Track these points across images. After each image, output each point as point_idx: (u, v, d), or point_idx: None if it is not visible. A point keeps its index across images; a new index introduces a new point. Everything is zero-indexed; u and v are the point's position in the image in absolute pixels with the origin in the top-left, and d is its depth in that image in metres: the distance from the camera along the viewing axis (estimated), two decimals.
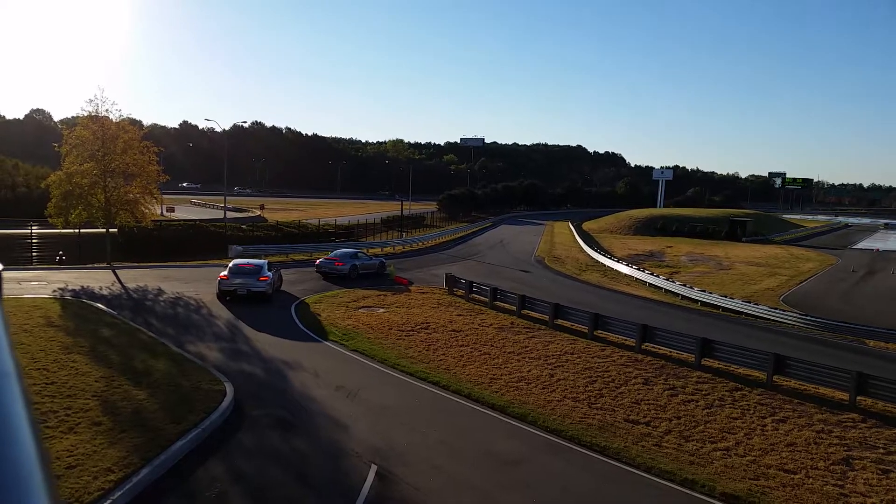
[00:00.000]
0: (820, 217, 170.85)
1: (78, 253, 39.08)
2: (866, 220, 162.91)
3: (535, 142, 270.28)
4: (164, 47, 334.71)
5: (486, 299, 28.76)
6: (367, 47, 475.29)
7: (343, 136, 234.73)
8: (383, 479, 11.17)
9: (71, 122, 40.17)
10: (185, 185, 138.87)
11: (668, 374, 18.94)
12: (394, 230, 69.78)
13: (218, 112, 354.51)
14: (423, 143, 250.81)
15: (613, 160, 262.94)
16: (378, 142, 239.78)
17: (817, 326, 29.15)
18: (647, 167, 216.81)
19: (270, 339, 20.69)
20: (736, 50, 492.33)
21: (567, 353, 20.80)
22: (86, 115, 35.20)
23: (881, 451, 14.02)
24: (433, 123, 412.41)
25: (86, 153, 34.43)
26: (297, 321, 23.75)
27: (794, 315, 31.07)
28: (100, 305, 23.92)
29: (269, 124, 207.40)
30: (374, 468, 11.54)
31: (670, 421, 15.19)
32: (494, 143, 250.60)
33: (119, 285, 29.12)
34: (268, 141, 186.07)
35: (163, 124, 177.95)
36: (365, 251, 41.73)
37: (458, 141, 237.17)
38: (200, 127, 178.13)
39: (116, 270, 33.92)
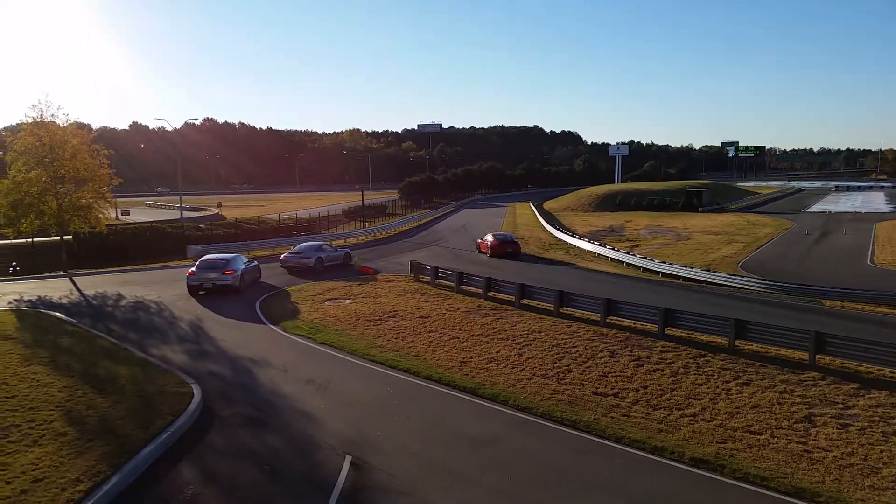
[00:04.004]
0: (773, 183, 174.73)
1: (32, 262, 38.16)
2: (818, 184, 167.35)
3: (492, 124, 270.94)
4: (108, 49, 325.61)
5: (453, 284, 28.83)
6: (317, 37, 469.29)
7: (299, 129, 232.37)
8: (358, 469, 11.18)
9: (15, 129, 39.04)
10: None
11: (634, 346, 19.26)
12: (356, 220, 69.46)
13: (169, 111, 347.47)
14: (380, 131, 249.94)
15: (570, 138, 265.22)
16: (335, 132, 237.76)
17: (775, 290, 29.88)
18: (603, 144, 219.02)
19: (236, 337, 20.49)
20: (684, 23, 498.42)
21: (534, 332, 20.99)
22: (30, 120, 34.24)
23: (840, 406, 14.48)
24: (390, 111, 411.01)
25: (33, 160, 33.57)
26: (263, 317, 23.54)
27: (753, 280, 31.79)
28: (58, 314, 23.41)
29: (221, 120, 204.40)
30: (348, 459, 11.53)
31: (637, 391, 15.47)
32: (452, 127, 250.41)
33: (77, 293, 28.52)
34: (221, 137, 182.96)
35: (112, 126, 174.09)
36: (329, 243, 41.55)
37: (416, 127, 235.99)
38: (151, 127, 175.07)
39: (74, 278, 33.24)
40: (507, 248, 43.07)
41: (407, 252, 45.60)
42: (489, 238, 44.61)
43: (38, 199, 33.45)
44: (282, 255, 36.40)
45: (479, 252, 45.16)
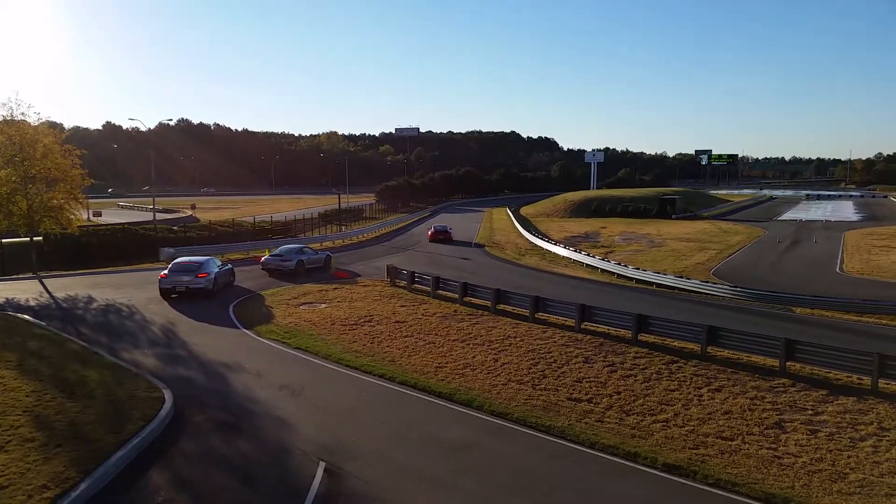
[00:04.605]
0: (746, 191, 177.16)
1: (0, 264, 37.38)
2: (789, 192, 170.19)
3: (469, 129, 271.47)
4: (80, 48, 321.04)
5: (429, 289, 28.82)
6: (294, 39, 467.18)
7: (275, 131, 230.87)
8: (332, 475, 11.11)
9: None
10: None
11: (608, 352, 19.40)
12: (332, 224, 69.16)
13: (143, 111, 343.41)
14: (357, 134, 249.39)
15: (547, 144, 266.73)
16: (311, 135, 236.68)
17: (747, 297, 30.27)
18: (579, 150, 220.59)
19: (209, 341, 20.26)
20: (659, 32, 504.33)
21: (510, 337, 21.06)
22: (0, 119, 33.59)
23: (810, 412, 14.71)
24: (367, 115, 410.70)
25: (2, 159, 32.94)
26: (236, 321, 23.31)
27: (725, 287, 32.19)
28: (27, 317, 22.98)
29: (196, 121, 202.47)
30: (322, 465, 11.45)
31: (611, 397, 15.58)
32: (430, 131, 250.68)
33: (47, 295, 28.03)
34: (196, 138, 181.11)
35: (85, 126, 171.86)
36: (310, 246, 42.34)
37: (393, 131, 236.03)
38: (125, 127, 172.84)
39: (43, 280, 32.67)
40: (439, 236, 59.35)
41: (383, 256, 45.54)
42: (431, 229, 61.96)
43: (7, 199, 32.82)
44: (263, 258, 36.45)
45: (426, 238, 60.37)
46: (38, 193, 33.93)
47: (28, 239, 35.60)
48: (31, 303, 26.15)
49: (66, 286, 30.43)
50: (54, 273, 35.57)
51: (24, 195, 33.25)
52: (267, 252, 42.01)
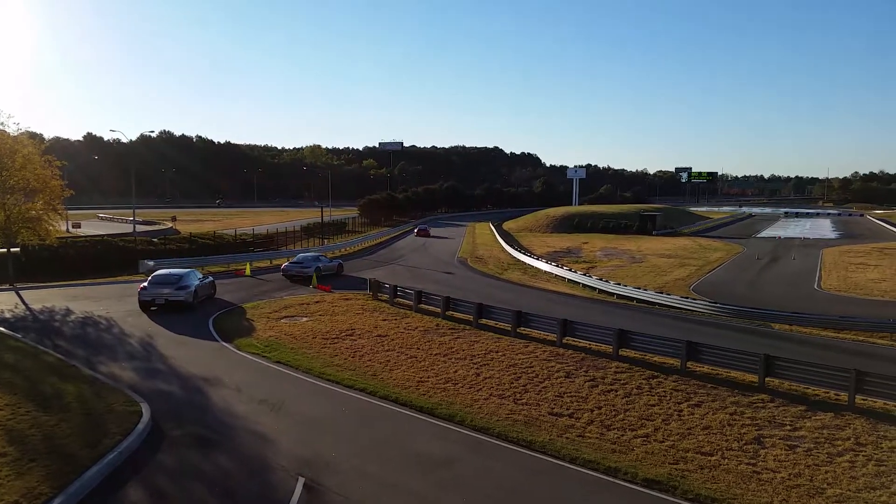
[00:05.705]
0: (725, 208, 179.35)
1: None
2: (768, 210, 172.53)
3: (453, 144, 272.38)
4: (61, 59, 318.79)
5: (411, 303, 28.77)
6: (278, 52, 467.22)
7: (258, 144, 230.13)
8: (312, 491, 11.00)
9: None
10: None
11: (589, 366, 19.45)
12: (315, 237, 68.85)
13: (124, 123, 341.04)
14: (341, 148, 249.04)
15: (530, 160, 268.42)
16: (295, 148, 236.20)
17: (726, 313, 30.52)
18: (561, 166, 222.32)
19: (188, 355, 20.05)
20: (641, 51, 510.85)
21: (492, 352, 21.05)
22: None
23: (788, 427, 14.83)
24: (351, 128, 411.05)
25: None
26: (216, 335, 23.10)
27: (705, 303, 32.43)
28: (2, 329, 22.65)
29: (178, 133, 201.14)
30: (301, 480, 11.34)
31: (592, 411, 15.60)
32: (413, 146, 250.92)
33: (23, 307, 27.64)
34: (178, 150, 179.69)
35: (66, 137, 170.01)
36: (325, 255, 46.54)
37: (377, 145, 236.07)
38: (106, 139, 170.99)
39: (20, 291, 32.23)
40: (422, 234, 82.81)
41: (366, 270, 45.43)
42: (416, 228, 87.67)
43: None
44: (283, 265, 40.48)
45: (413, 238, 78.44)
46: (16, 204, 33.55)
47: (5, 250, 35.12)
48: (7, 314, 25.76)
49: (43, 298, 30.04)
50: (31, 285, 35.07)
51: (1, 206, 32.86)
52: (248, 266, 42.35)
